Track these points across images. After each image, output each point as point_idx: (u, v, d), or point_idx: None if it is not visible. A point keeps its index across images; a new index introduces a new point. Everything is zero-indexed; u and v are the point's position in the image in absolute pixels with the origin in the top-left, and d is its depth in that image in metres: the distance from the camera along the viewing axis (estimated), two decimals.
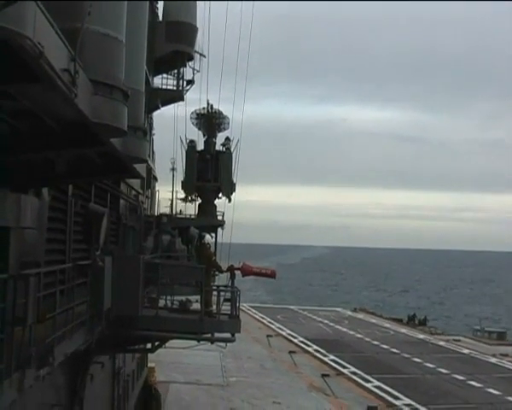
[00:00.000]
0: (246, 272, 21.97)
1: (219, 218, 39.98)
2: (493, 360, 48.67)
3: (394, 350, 50.66)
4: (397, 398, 34.69)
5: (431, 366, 44.60)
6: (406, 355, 48.52)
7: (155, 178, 35.10)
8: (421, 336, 59.55)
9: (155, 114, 35.20)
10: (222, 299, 19.49)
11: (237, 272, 21.08)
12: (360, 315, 76.41)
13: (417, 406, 33.12)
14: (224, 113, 41.23)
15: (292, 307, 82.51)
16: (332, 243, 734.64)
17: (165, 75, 34.66)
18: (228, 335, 19.30)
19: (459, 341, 58.21)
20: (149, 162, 28.30)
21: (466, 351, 52.44)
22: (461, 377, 40.90)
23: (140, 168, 18.68)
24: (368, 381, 38.74)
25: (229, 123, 41.13)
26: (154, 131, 35.76)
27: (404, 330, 63.88)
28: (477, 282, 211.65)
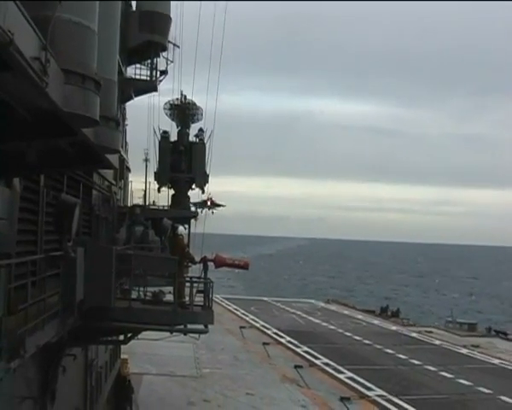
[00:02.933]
0: (219, 263, 21.95)
1: (192, 209, 39.87)
2: (464, 350, 49.17)
3: (367, 341, 50.97)
4: (370, 389, 34.91)
5: (403, 357, 44.96)
6: (379, 346, 48.86)
7: (128, 169, 34.89)
8: (394, 328, 60.08)
9: (128, 104, 35.00)
10: (195, 290, 19.43)
11: (210, 264, 21.03)
12: (333, 307, 76.77)
13: (390, 396, 33.35)
14: (199, 104, 41.06)
15: (265, 298, 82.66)
16: (309, 234, 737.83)
17: (138, 65, 34.42)
18: (201, 326, 19.25)
19: (431, 332, 58.75)
20: (122, 153, 28.11)
21: (438, 342, 52.95)
22: (433, 368, 41.27)
23: (113, 159, 18.52)
24: (341, 372, 38.94)
25: (202, 114, 40.97)
26: (127, 122, 35.52)
27: (376, 321, 64.38)
28: (452, 271, 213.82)
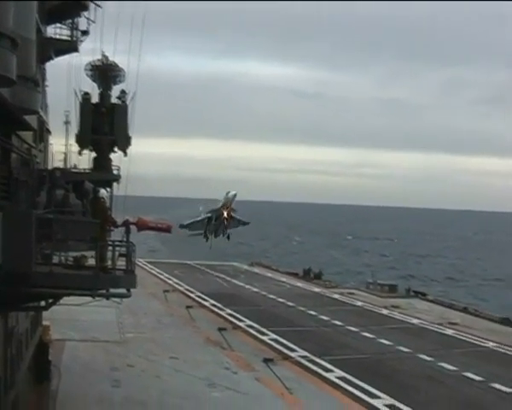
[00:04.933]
0: (141, 226, 21.70)
1: (115, 172, 39.20)
2: (385, 311, 50.32)
3: (290, 303, 51.63)
4: (293, 350, 35.35)
5: (326, 318, 45.72)
6: (302, 308, 49.54)
7: (49, 132, 34.04)
8: (317, 290, 60.97)
9: (48, 64, 34.00)
10: (117, 254, 19.17)
11: (133, 227, 20.76)
12: (256, 269, 77.36)
13: (312, 357, 33.84)
14: (122, 65, 40.21)
15: (189, 262, 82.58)
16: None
17: (59, 25, 33.44)
18: (123, 291, 19.03)
19: (353, 294, 59.89)
20: (42, 114, 27.39)
21: (359, 303, 54.02)
22: (354, 329, 42.11)
23: (31, 120, 18.01)
24: (264, 334, 39.32)
25: (124, 75, 40.14)
26: (47, 83, 34.56)
27: (299, 283, 65.19)
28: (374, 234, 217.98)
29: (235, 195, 76.37)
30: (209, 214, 77.55)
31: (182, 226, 77.94)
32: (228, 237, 78.33)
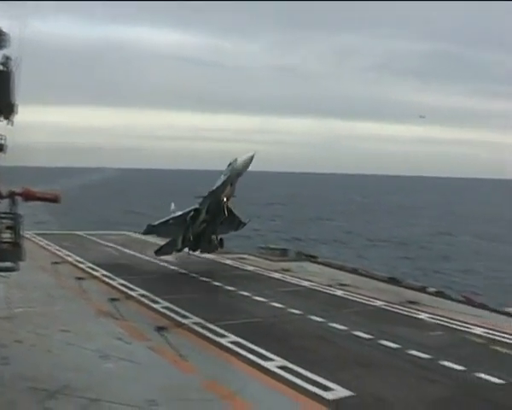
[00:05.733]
0: (28, 197, 21.16)
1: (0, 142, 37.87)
2: (277, 275, 51.06)
3: (183, 271, 51.61)
4: (186, 317, 35.39)
5: (218, 284, 45.97)
6: (194, 275, 49.64)
7: None
8: (210, 256, 60.85)
9: None
10: (3, 227, 18.64)
11: (19, 198, 20.20)
12: (149, 237, 76.34)
13: (206, 323, 33.98)
14: (6, 30, 38.66)
15: (79, 232, 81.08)
16: (122, 165, 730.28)
17: None
18: (11, 264, 18.54)
19: (244, 259, 60.41)
20: None
21: (251, 268, 54.58)
22: (247, 294, 42.54)
23: None
24: (157, 302, 39.18)
25: (9, 40, 38.72)
26: None
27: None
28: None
29: (251, 158, 47.91)
30: (197, 206, 51.41)
31: (148, 230, 55.34)
32: (221, 245, 54.72)
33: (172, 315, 36.00)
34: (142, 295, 41.13)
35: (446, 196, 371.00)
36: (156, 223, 53.70)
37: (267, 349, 29.04)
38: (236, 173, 48.28)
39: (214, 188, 49.53)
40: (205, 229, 51.93)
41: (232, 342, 30.49)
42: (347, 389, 24.22)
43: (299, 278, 49.72)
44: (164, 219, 53.41)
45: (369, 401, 23.41)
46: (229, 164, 48.31)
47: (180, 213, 52.60)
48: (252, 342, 30.17)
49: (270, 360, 27.75)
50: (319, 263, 59.35)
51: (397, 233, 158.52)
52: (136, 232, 78.84)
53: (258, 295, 41.87)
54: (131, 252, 62.66)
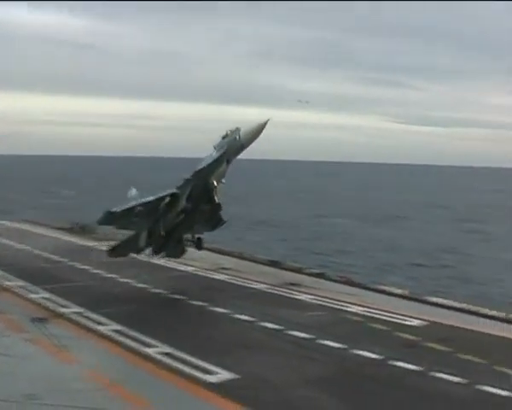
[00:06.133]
0: None
1: None
2: (159, 261, 50.35)
3: (63, 259, 50.27)
4: (65, 307, 34.66)
5: (99, 272, 45.17)
6: (75, 264, 48.48)
7: None
8: (91, 244, 59.45)
9: None
10: None
11: None
12: (26, 226, 73.91)
13: (85, 312, 33.48)
14: None
15: None
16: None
17: None
18: None
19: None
20: None
21: (134, 255, 53.68)
22: (128, 280, 42.18)
23: None
24: (36, 293, 38.09)
25: None
26: None
27: (73, 239, 63.27)
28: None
29: (263, 125, 36.83)
30: (175, 190, 38.51)
31: (105, 219, 38.59)
32: (198, 246, 42.23)
33: (52, 305, 35.14)
34: (20, 287, 39.83)
35: (323, 180, 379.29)
36: (118, 209, 38.00)
37: (147, 335, 28.92)
38: (237, 147, 37.34)
39: (201, 167, 37.72)
40: (181, 222, 39.21)
41: (113, 330, 30.18)
42: (231, 371, 24.41)
43: (184, 263, 49.15)
44: (128, 205, 38.62)
45: (252, 383, 23.65)
46: (225, 136, 37.35)
47: (151, 198, 38.50)
48: (131, 329, 29.96)
49: (153, 346, 27.61)
50: (205, 249, 58.99)
51: (275, 216, 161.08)
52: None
53: (140, 282, 41.53)
54: (10, 242, 60.14)
